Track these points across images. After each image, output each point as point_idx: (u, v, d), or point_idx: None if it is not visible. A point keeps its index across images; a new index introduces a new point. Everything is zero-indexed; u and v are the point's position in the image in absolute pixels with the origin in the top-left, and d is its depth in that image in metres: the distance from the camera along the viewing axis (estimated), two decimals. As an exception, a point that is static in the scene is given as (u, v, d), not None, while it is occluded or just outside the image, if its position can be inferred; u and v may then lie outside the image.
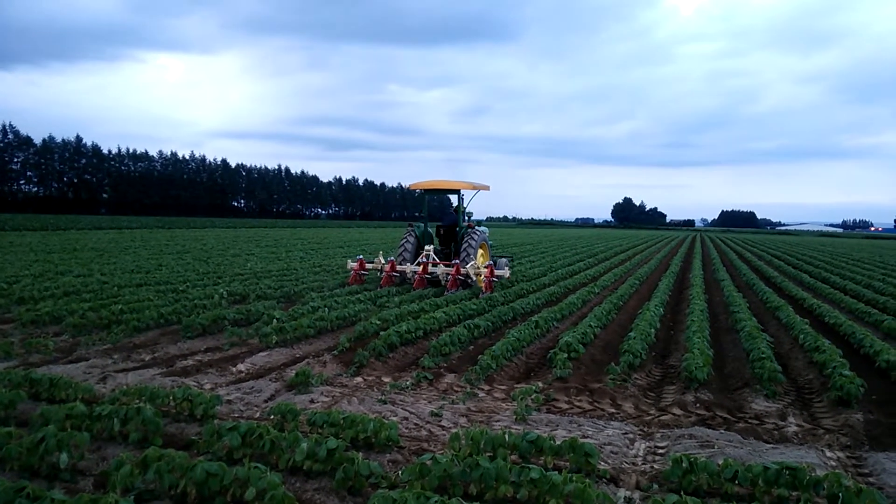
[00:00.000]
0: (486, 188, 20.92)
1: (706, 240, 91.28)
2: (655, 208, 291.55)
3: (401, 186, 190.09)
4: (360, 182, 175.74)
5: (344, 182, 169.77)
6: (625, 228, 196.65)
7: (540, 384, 9.60)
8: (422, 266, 19.08)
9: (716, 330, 14.66)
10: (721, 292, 21.78)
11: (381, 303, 15.92)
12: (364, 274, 19.82)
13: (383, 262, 19.92)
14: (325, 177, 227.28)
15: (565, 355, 10.80)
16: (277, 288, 17.80)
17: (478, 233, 20.29)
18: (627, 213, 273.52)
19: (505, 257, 22.14)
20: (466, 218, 21.13)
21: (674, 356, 12.06)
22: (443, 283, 18.85)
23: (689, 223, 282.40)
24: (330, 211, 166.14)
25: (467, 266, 18.92)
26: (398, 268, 19.52)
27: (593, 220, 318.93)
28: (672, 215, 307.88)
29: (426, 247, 20.01)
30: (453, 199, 21.80)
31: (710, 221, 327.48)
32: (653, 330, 13.11)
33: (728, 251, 54.80)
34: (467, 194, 20.98)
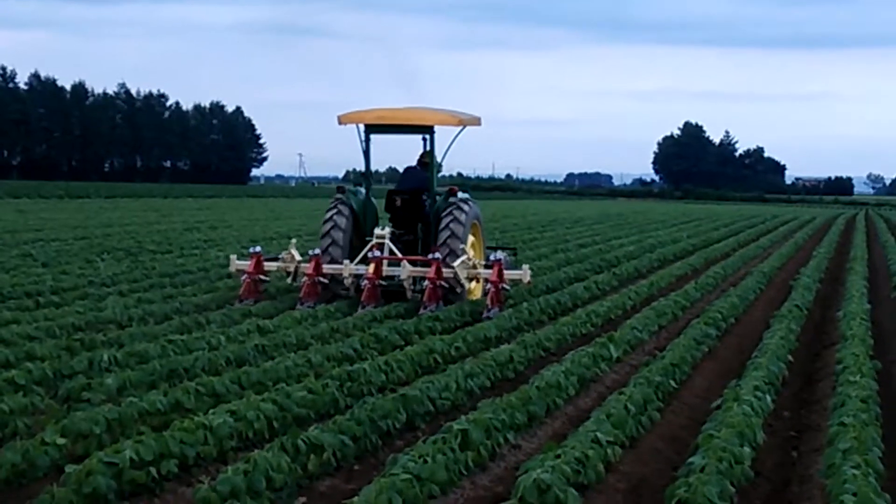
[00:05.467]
0: (476, 122, 13.31)
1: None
2: (760, 150, 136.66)
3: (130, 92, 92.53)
4: (23, 82, 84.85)
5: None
6: (685, 200, 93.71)
7: None
8: (372, 264, 11.60)
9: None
10: None
11: (73, 390, 6.12)
12: (264, 280, 12.27)
13: (299, 258, 12.36)
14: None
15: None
16: None
17: (467, 206, 12.49)
18: (691, 160, 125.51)
19: (502, 248, 14.16)
20: (437, 174, 13.26)
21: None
22: (410, 295, 11.75)
23: (840, 187, 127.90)
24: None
25: (456, 262, 11.62)
26: (326, 268, 11.95)
27: (610, 178, 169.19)
28: (797, 169, 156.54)
29: (377, 230, 12.36)
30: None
31: (889, 183, 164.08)
32: (747, 449, 5.79)
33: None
34: (445, 134, 13.06)
